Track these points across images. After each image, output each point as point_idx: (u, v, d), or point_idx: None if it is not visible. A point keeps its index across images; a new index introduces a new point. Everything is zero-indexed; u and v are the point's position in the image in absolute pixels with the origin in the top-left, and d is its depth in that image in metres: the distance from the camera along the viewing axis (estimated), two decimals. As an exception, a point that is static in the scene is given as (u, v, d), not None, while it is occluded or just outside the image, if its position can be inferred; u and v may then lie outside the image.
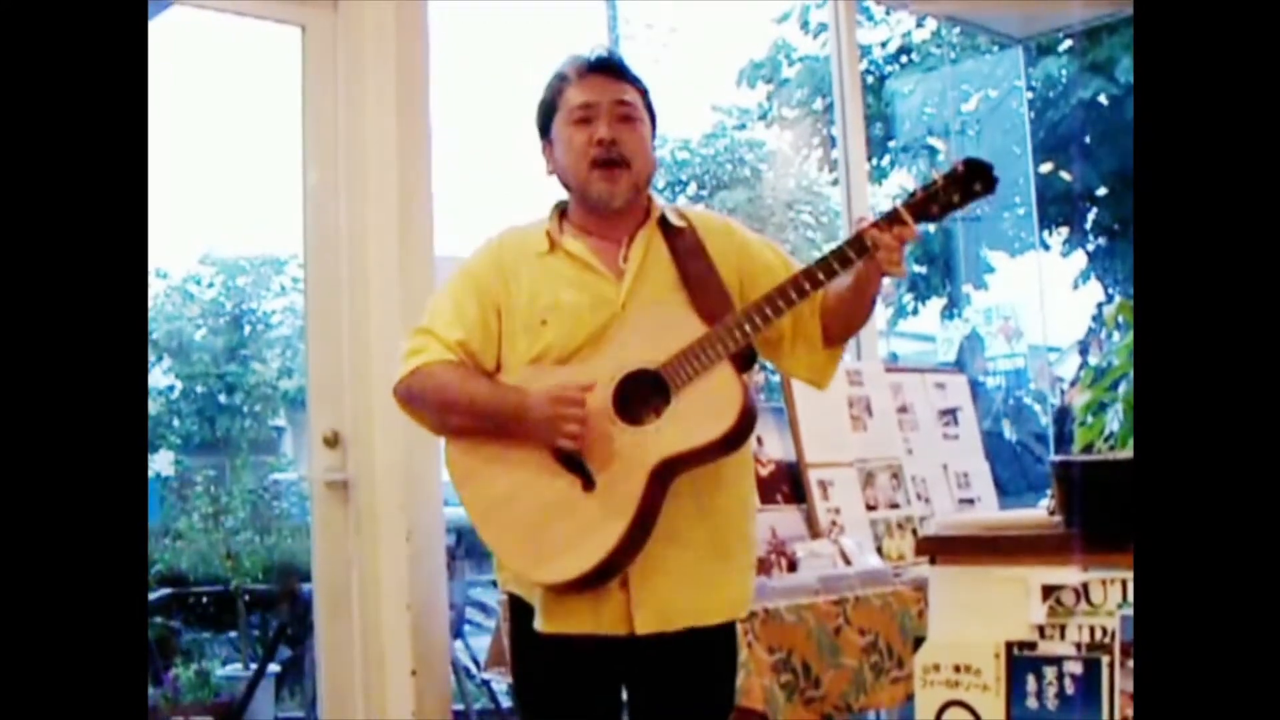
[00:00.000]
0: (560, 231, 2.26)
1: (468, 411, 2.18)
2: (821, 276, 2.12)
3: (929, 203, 2.10)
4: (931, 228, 12.58)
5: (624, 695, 2.29)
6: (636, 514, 2.07)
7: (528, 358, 2.19)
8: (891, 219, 2.08)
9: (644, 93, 2.27)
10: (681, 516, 2.13)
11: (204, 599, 6.40)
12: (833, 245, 2.19)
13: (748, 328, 2.12)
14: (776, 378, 3.65)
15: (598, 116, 2.20)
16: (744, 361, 2.17)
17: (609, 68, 2.25)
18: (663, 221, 2.27)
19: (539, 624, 2.15)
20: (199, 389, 13.20)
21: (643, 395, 2.14)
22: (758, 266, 2.26)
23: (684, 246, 2.24)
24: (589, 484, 2.11)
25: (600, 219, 2.24)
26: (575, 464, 2.12)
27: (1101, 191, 11.90)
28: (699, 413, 2.10)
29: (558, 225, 2.27)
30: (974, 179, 2.09)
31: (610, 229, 2.25)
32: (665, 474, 2.10)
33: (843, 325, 2.26)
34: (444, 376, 2.20)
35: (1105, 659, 1.87)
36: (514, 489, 2.14)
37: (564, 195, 2.31)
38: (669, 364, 2.11)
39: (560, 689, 2.22)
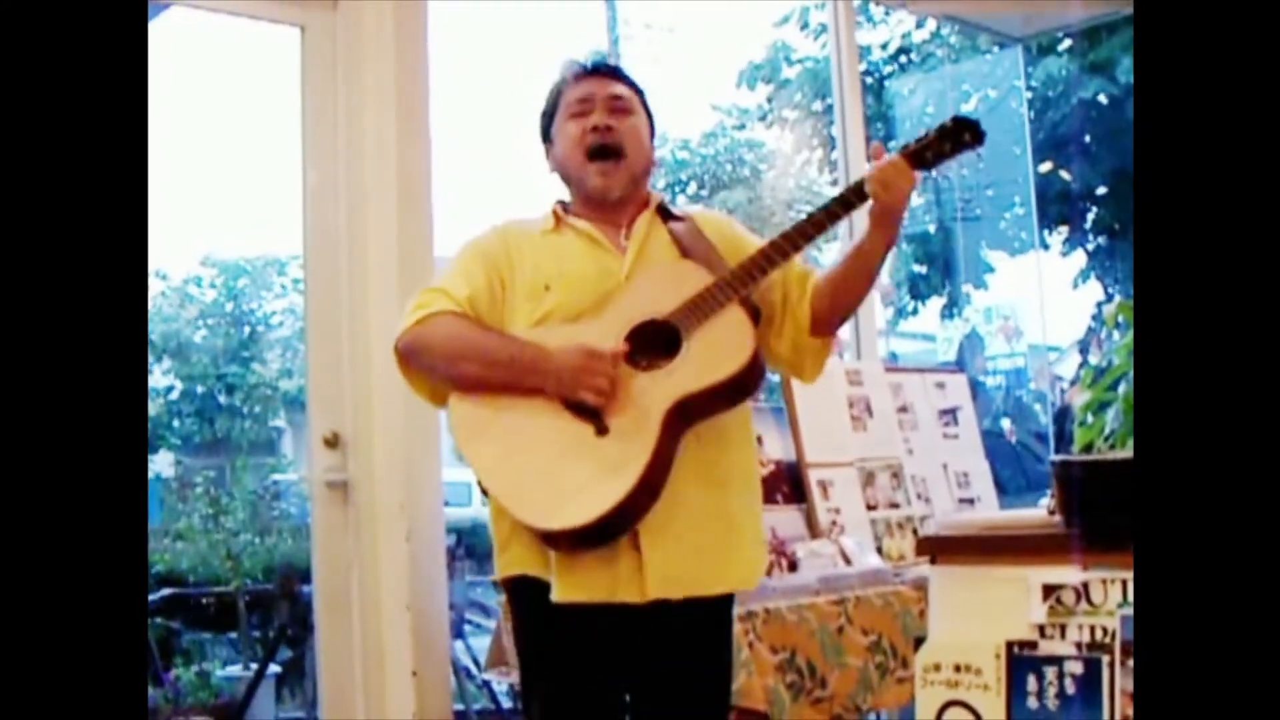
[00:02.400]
0: (565, 214, 2.32)
1: (480, 359, 2.17)
2: (826, 220, 2.19)
3: (923, 151, 2.18)
4: (931, 228, 12.57)
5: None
6: (652, 457, 2.06)
7: (530, 322, 2.20)
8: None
9: (640, 93, 2.34)
10: (690, 482, 2.13)
11: (204, 600, 6.40)
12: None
13: (755, 272, 2.17)
14: (776, 377, 3.66)
15: (593, 109, 2.27)
16: (752, 315, 2.19)
17: (604, 68, 2.34)
18: (661, 209, 2.33)
19: (555, 594, 2.12)
20: (199, 390, 13.22)
21: (653, 346, 2.15)
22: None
23: (683, 230, 2.30)
24: (601, 430, 2.10)
25: (600, 209, 2.29)
26: (587, 411, 2.11)
27: (1101, 191, 11.93)
28: (711, 353, 2.12)
29: (561, 210, 2.33)
30: (963, 131, 2.18)
31: (611, 216, 2.30)
32: (680, 416, 2.10)
33: (833, 292, 2.25)
34: (455, 325, 2.20)
35: (1105, 659, 1.87)
36: (525, 438, 2.13)
37: (564, 194, 2.36)
38: (678, 311, 2.15)
39: (572, 665, 2.19)
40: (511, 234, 2.31)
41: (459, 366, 2.19)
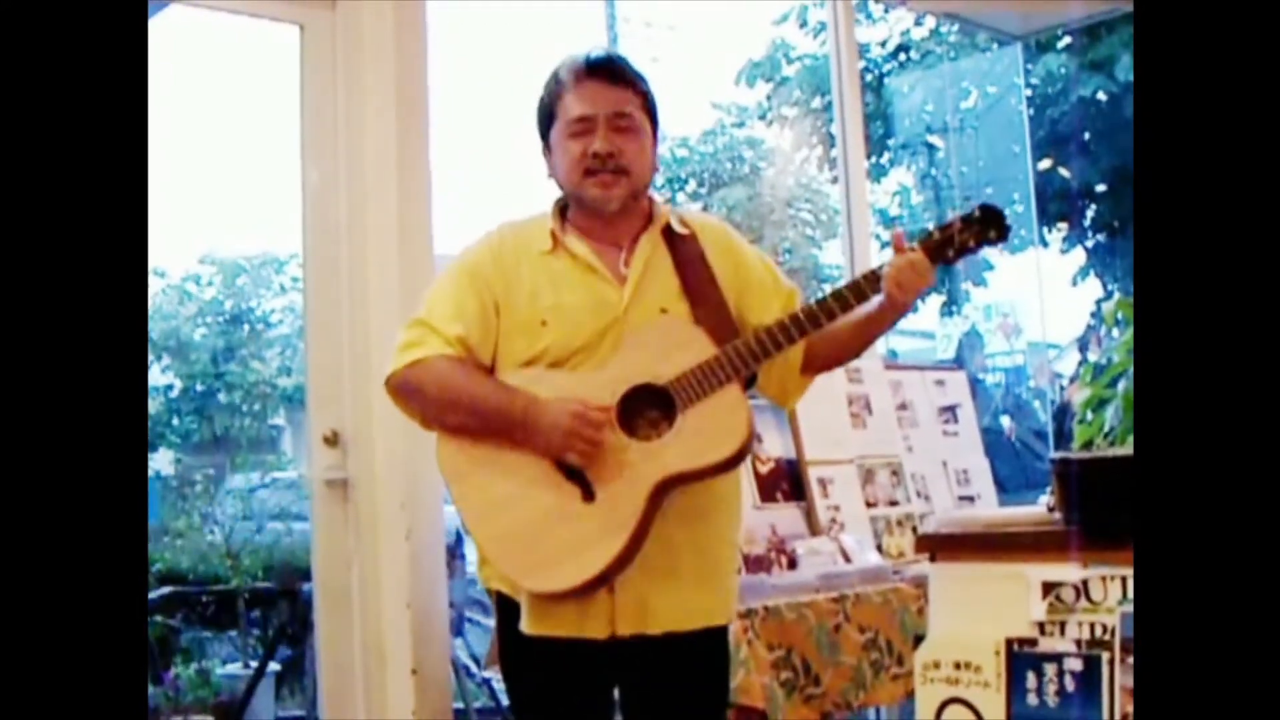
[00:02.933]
0: (563, 231, 2.24)
1: (470, 411, 2.14)
2: (836, 308, 2.15)
3: (945, 245, 2.16)
4: (930, 226, 12.63)
5: (616, 695, 2.29)
6: (635, 530, 2.06)
7: (525, 357, 2.16)
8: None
9: (644, 94, 2.24)
10: (673, 523, 2.12)
11: (204, 598, 6.40)
12: (842, 283, 2.22)
13: (759, 351, 2.13)
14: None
15: (595, 129, 2.17)
16: (747, 382, 2.19)
17: (607, 72, 2.21)
18: (666, 228, 2.25)
19: (524, 625, 2.14)
20: (198, 388, 13.22)
21: (645, 408, 2.12)
22: (752, 283, 2.28)
23: (686, 255, 2.23)
24: (588, 495, 2.09)
25: (601, 222, 2.22)
26: (576, 474, 2.10)
27: (1100, 188, 11.91)
28: (706, 433, 2.10)
29: (559, 224, 2.24)
30: (989, 225, 2.16)
31: (611, 232, 2.23)
32: (665, 489, 2.10)
33: (830, 352, 2.28)
34: (446, 372, 2.16)
35: (1105, 656, 1.87)
36: (511, 494, 2.12)
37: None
38: (678, 381, 2.11)
39: (548, 687, 2.21)
40: (507, 250, 2.23)
41: (447, 416, 2.17)
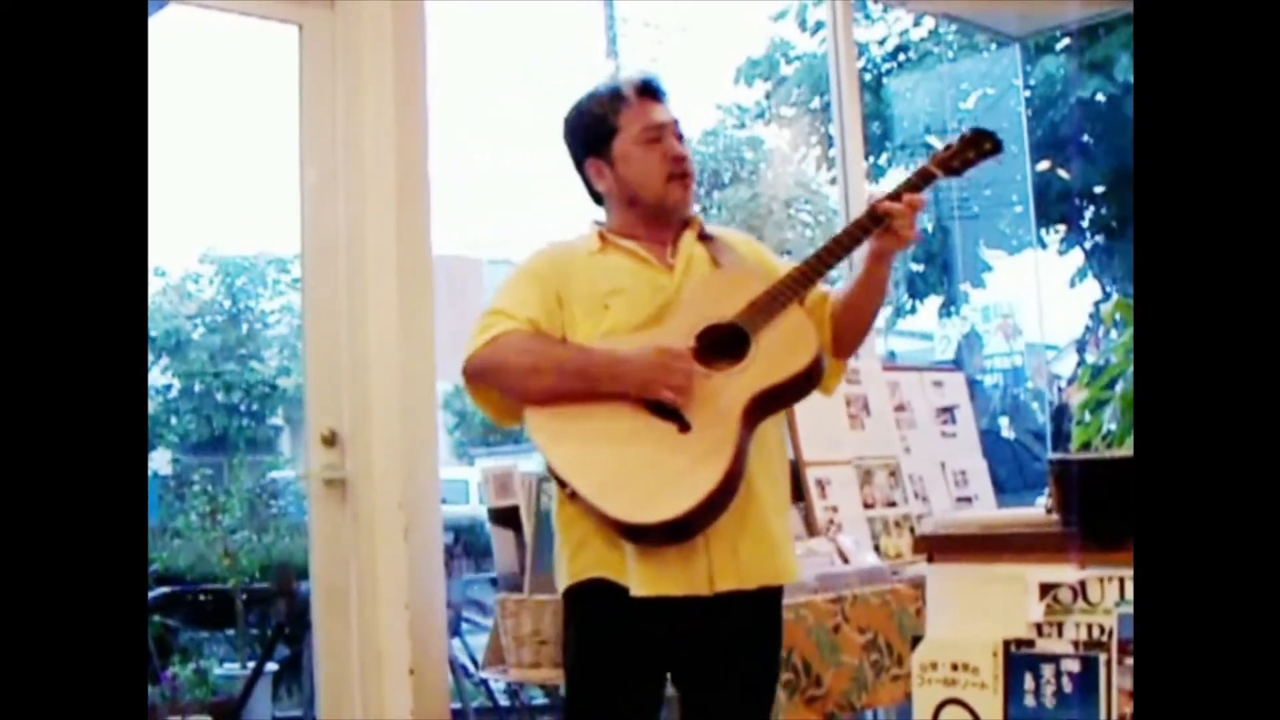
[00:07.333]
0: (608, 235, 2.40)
1: (555, 371, 2.22)
2: (861, 235, 2.28)
3: (950, 159, 2.34)
4: (929, 226, 12.61)
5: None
6: (736, 449, 2.13)
7: (593, 338, 2.26)
8: (921, 178, 2.33)
9: None
10: (753, 479, 2.21)
11: (202, 598, 6.40)
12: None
13: (812, 275, 2.28)
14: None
15: (665, 136, 2.35)
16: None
17: (660, 91, 2.41)
18: (700, 231, 2.42)
19: (637, 588, 2.17)
20: (197, 388, 13.22)
21: (718, 349, 2.23)
22: (779, 273, 2.36)
23: (721, 249, 2.40)
24: (684, 427, 2.17)
25: (644, 229, 2.37)
26: (668, 413, 2.18)
27: (1099, 189, 11.93)
28: (781, 349, 2.21)
29: (603, 232, 2.41)
30: (984, 140, 2.35)
31: (656, 234, 2.37)
32: (755, 412, 2.18)
33: (855, 319, 2.36)
34: (524, 342, 2.25)
35: (1103, 657, 1.87)
36: (610, 438, 2.18)
37: (600, 213, 2.44)
38: (744, 313, 2.23)
39: (629, 660, 2.24)
40: (558, 255, 2.37)
41: (534, 381, 2.23)
